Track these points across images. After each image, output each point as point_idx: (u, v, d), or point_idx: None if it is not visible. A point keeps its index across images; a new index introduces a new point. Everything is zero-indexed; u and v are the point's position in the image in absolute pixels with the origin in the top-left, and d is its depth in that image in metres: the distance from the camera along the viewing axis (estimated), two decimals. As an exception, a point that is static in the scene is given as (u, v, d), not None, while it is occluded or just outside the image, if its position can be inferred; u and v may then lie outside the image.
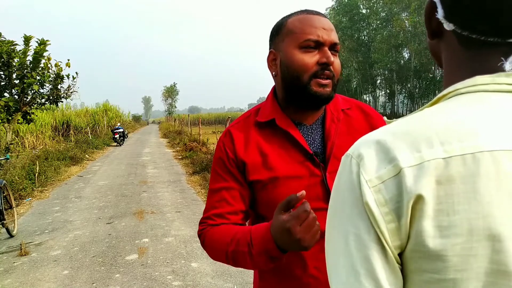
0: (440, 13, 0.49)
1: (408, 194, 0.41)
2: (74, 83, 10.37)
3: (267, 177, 0.95)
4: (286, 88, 0.96)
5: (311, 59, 0.90)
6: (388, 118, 1.07)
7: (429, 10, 0.51)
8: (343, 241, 0.45)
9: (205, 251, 1.00)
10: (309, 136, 0.98)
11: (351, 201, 0.45)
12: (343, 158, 0.48)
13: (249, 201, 1.00)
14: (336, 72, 0.93)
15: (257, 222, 1.02)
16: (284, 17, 0.98)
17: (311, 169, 0.94)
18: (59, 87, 10.02)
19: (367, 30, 39.35)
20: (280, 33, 0.96)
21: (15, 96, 8.98)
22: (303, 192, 0.78)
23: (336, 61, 0.92)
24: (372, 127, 1.02)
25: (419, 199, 0.41)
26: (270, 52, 0.99)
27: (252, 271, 3.53)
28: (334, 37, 0.92)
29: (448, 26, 0.49)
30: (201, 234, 1.00)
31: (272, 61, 0.99)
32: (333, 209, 0.49)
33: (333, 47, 0.92)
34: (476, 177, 0.41)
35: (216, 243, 0.94)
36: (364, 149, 0.45)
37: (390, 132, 0.45)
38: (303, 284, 0.94)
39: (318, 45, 0.90)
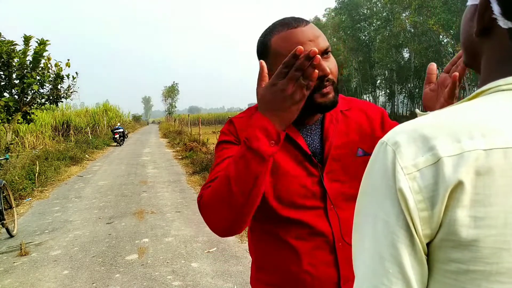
0: (496, 10, 0.48)
1: (446, 183, 0.41)
2: (74, 83, 10.39)
3: None
4: None
5: None
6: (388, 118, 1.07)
7: (483, 6, 0.50)
8: (372, 226, 0.46)
9: (206, 222, 0.87)
10: (308, 137, 0.99)
11: (383, 187, 0.45)
12: (377, 145, 0.48)
13: None
14: (334, 75, 0.91)
15: (253, 223, 1.03)
16: (265, 35, 0.93)
17: (309, 169, 0.95)
18: (59, 87, 10.03)
19: (368, 30, 39.33)
20: (268, 55, 0.92)
21: (15, 96, 8.98)
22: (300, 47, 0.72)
23: (331, 64, 0.90)
24: (373, 128, 1.03)
25: (456, 187, 0.41)
26: None
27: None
28: (322, 43, 0.88)
29: (505, 23, 0.48)
30: (200, 196, 0.87)
31: None
32: (363, 194, 0.49)
33: (324, 52, 0.89)
34: None
35: (216, 184, 0.82)
36: (401, 137, 0.45)
37: (428, 123, 0.45)
38: (299, 280, 0.95)
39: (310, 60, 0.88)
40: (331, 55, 0.92)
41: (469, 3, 0.54)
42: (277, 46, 0.90)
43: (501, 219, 0.40)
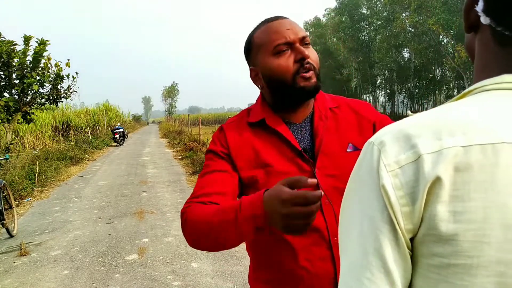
0: (479, 6, 0.49)
1: (425, 179, 0.43)
2: (74, 83, 10.39)
3: (258, 173, 0.98)
4: (274, 94, 1.01)
5: (287, 60, 0.95)
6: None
7: (469, 2, 0.51)
8: (358, 221, 0.47)
9: (185, 236, 0.93)
10: (299, 134, 1.02)
11: (369, 184, 0.47)
12: (365, 145, 0.50)
13: (238, 191, 1.00)
14: (315, 62, 0.97)
15: None
16: (249, 35, 1.03)
17: (301, 165, 0.98)
18: (59, 87, 10.03)
19: (368, 30, 39.31)
20: (252, 50, 1.01)
21: (15, 96, 8.98)
22: (315, 180, 0.72)
23: (311, 52, 0.96)
24: (361, 125, 1.06)
25: (435, 183, 0.42)
26: (250, 70, 1.04)
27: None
28: (300, 32, 0.95)
29: (484, 20, 0.49)
30: (184, 212, 0.93)
31: (255, 76, 1.03)
32: (351, 191, 0.50)
33: (302, 41, 0.96)
34: (495, 167, 0.42)
35: (200, 216, 0.88)
36: (387, 137, 0.47)
37: (414, 123, 0.47)
38: (296, 276, 0.96)
39: (289, 45, 0.94)
40: (310, 47, 0.98)
41: None
42: (259, 39, 0.99)
43: (480, 213, 0.41)
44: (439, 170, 0.42)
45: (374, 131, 1.05)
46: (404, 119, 0.49)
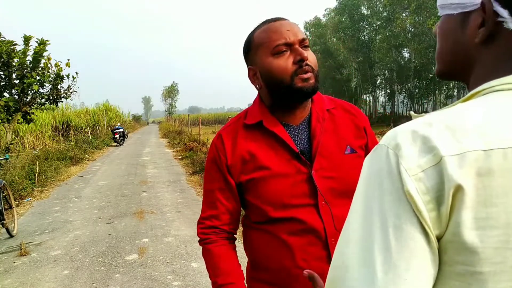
0: (503, 13, 0.47)
1: (450, 182, 0.41)
2: (74, 83, 10.38)
3: (256, 176, 0.99)
4: (273, 94, 1.01)
5: (286, 61, 0.95)
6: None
7: (490, 11, 0.49)
8: (380, 231, 0.43)
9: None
10: (296, 136, 1.02)
11: (390, 191, 0.43)
12: (375, 150, 0.47)
13: (239, 201, 1.07)
14: (313, 64, 0.98)
15: (247, 222, 1.10)
16: (249, 34, 1.04)
17: (298, 167, 0.98)
18: (59, 87, 10.03)
19: (368, 30, 39.28)
20: (251, 48, 1.02)
21: (15, 96, 8.98)
22: None
23: (310, 54, 0.97)
24: (357, 126, 1.07)
25: (459, 188, 0.41)
26: (249, 69, 1.05)
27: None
28: (300, 34, 0.97)
29: None
30: (203, 239, 1.09)
31: (253, 76, 1.04)
32: (363, 200, 0.46)
33: (302, 43, 0.97)
34: None
35: (214, 264, 1.07)
36: (401, 139, 0.44)
37: (426, 123, 0.45)
38: (292, 275, 0.97)
39: (288, 46, 0.95)
40: (309, 49, 0.99)
41: (451, 12, 0.53)
42: (259, 38, 0.99)
43: (502, 219, 0.41)
44: (463, 175, 0.41)
45: (366, 135, 1.06)
46: (414, 120, 0.47)
